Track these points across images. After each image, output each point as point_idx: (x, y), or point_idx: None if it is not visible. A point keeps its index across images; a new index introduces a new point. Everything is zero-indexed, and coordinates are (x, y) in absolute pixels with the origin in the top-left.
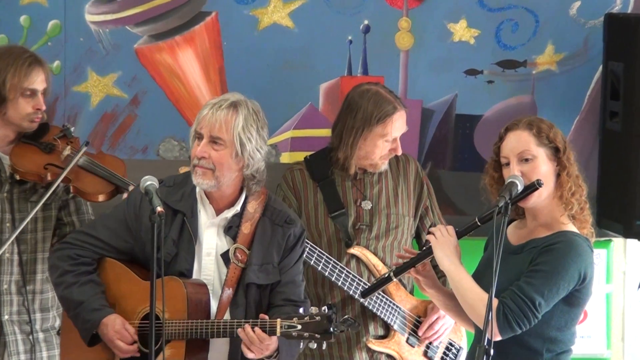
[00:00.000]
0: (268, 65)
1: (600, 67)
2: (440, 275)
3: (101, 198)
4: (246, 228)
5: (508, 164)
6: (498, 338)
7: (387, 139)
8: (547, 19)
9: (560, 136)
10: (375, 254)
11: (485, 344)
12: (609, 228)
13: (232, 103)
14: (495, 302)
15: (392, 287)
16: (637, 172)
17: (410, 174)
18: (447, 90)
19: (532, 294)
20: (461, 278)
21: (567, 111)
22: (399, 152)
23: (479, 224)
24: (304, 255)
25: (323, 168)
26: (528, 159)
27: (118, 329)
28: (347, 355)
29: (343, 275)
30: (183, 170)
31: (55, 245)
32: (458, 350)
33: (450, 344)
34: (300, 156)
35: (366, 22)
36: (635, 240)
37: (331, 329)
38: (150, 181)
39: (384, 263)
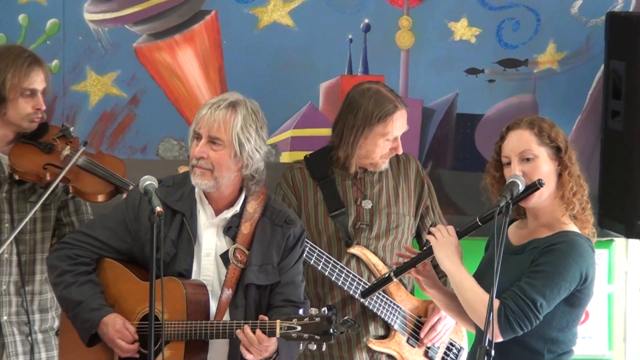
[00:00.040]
0: (268, 64)
1: (602, 66)
2: (441, 275)
3: (100, 198)
4: (246, 228)
5: (509, 163)
6: (499, 339)
7: (388, 138)
8: (548, 18)
9: (561, 135)
10: (376, 253)
11: (486, 344)
12: (611, 228)
13: (231, 103)
14: (496, 303)
15: (393, 287)
16: (639, 171)
17: (411, 173)
18: (448, 89)
19: (534, 295)
20: (462, 278)
21: (569, 110)
22: (400, 151)
23: (479, 224)
24: (304, 256)
25: (323, 167)
26: (529, 158)
27: (119, 328)
28: (347, 356)
29: (343, 274)
30: (182, 169)
31: (54, 245)
32: (459, 351)
33: (451, 344)
34: (300, 156)
35: (366, 20)
36: (637, 240)
37: (331, 331)
38: (149, 181)
39: (384, 263)
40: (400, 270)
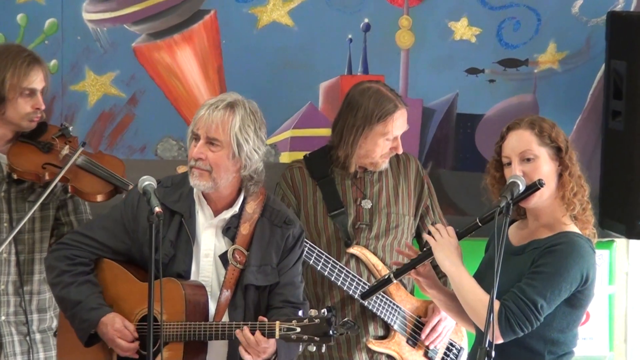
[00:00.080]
0: (267, 64)
1: (603, 66)
2: (441, 275)
3: (100, 198)
4: (245, 229)
5: (509, 163)
6: (500, 341)
7: (388, 138)
8: (549, 17)
9: (562, 136)
10: (375, 253)
11: (487, 345)
12: (612, 228)
13: (229, 103)
14: (496, 304)
15: (393, 287)
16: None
17: (411, 173)
18: (448, 89)
19: (534, 296)
20: (462, 279)
21: (569, 110)
22: (400, 151)
23: (479, 224)
24: (303, 256)
25: (323, 166)
26: (530, 158)
27: (118, 327)
28: (347, 356)
29: (342, 275)
30: (181, 169)
31: (52, 246)
32: (459, 351)
33: (451, 344)
34: (299, 156)
35: (366, 20)
36: (638, 241)
37: (330, 332)
38: (148, 181)
39: (384, 263)
40: (400, 272)
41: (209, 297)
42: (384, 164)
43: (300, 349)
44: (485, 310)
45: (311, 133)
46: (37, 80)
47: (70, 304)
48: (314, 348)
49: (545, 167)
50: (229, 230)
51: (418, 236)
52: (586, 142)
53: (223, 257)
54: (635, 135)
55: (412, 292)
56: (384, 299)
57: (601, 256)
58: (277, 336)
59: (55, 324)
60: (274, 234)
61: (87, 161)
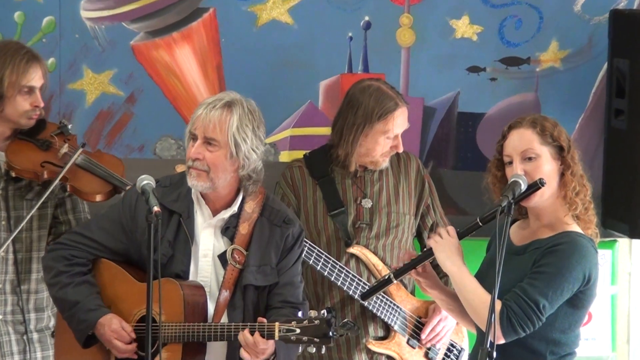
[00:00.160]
0: (267, 62)
1: (606, 64)
2: (442, 275)
3: (99, 198)
4: (244, 229)
5: (511, 162)
6: (501, 341)
7: (389, 136)
8: (551, 16)
9: (564, 135)
10: (375, 253)
11: (488, 346)
12: (614, 228)
13: (227, 103)
14: (498, 304)
15: (393, 287)
16: None
17: (412, 172)
18: (449, 87)
19: (536, 297)
20: (464, 279)
21: (572, 109)
22: (400, 150)
23: (480, 224)
24: (303, 256)
25: (323, 165)
26: (531, 157)
27: (115, 329)
28: (347, 357)
29: (342, 274)
30: (180, 168)
31: (49, 245)
32: (459, 352)
33: (452, 345)
34: (299, 155)
35: (367, 18)
36: None
37: (330, 334)
38: (147, 180)
39: (384, 262)
40: (400, 272)
41: (208, 297)
42: (385, 163)
43: (300, 350)
44: (486, 311)
45: (311, 132)
46: (35, 78)
47: (68, 304)
48: (314, 349)
49: (547, 167)
50: (228, 230)
51: (419, 235)
52: (589, 141)
53: (222, 257)
54: (638, 133)
55: (412, 293)
56: (384, 299)
57: (604, 256)
58: (276, 337)
59: (52, 323)
60: (273, 233)
61: (86, 160)
